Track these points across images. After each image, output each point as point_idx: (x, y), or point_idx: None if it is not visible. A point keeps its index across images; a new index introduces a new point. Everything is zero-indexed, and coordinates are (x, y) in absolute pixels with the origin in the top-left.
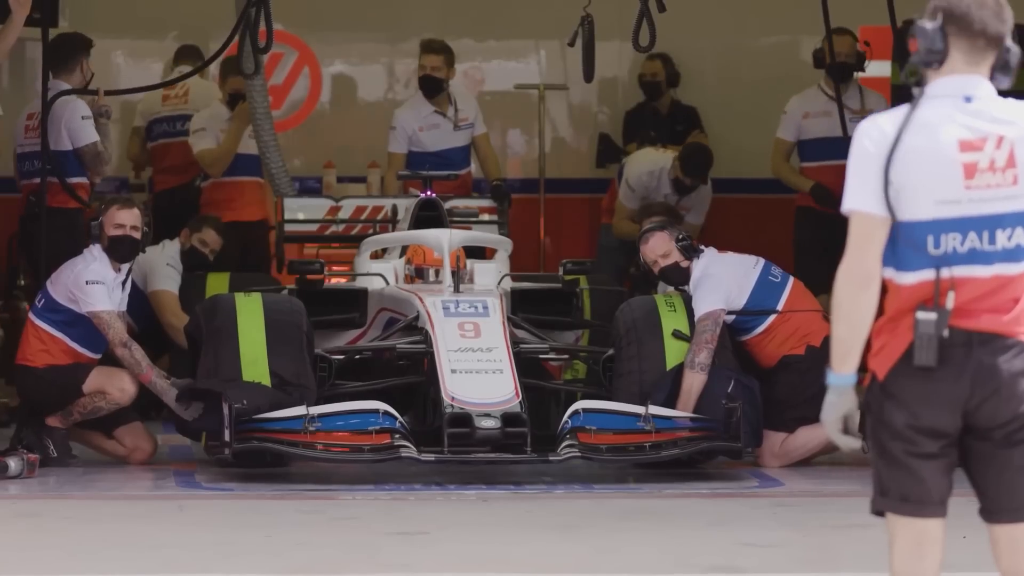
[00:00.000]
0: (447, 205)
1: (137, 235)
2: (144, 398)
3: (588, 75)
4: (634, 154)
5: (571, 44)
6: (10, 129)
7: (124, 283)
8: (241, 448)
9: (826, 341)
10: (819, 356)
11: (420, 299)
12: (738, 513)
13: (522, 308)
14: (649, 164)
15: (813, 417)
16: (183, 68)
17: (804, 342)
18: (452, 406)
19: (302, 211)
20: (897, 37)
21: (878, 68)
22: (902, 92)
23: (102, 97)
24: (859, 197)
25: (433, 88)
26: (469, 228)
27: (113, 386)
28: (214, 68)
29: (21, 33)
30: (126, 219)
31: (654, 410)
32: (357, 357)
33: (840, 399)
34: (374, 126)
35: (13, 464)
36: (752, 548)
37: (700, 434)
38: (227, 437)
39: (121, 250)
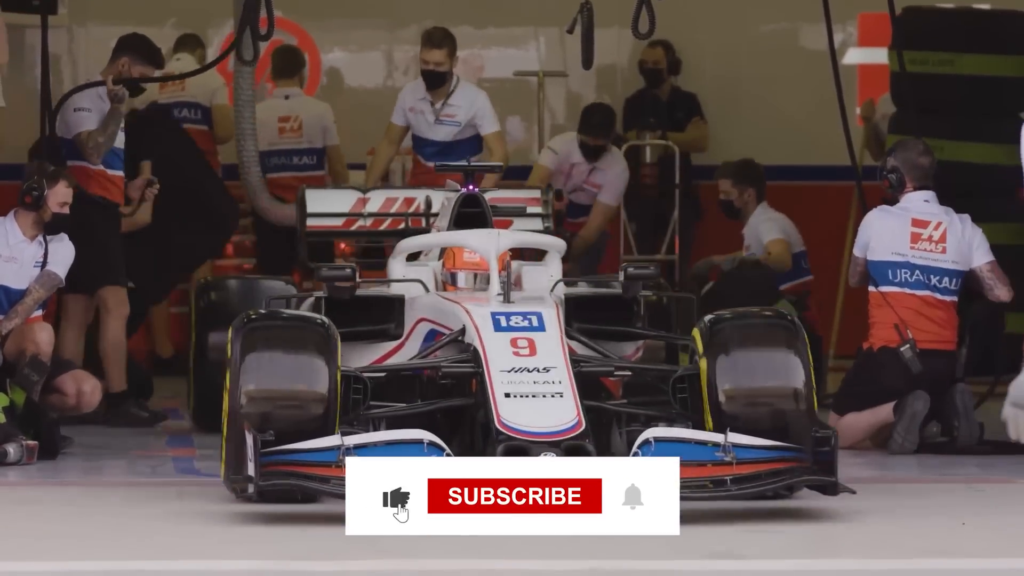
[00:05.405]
0: (489, 198)
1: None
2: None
3: (587, 62)
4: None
5: (570, 31)
6: (15, 119)
7: (45, 251)
8: (267, 486)
9: (883, 350)
10: (873, 358)
11: (466, 311)
12: (738, 500)
13: (575, 315)
14: (571, 133)
15: (861, 405)
16: (182, 56)
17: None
18: (506, 435)
19: (325, 203)
20: (895, 25)
21: (876, 55)
22: (900, 79)
23: (111, 85)
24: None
25: (435, 82)
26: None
27: (25, 339)
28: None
29: (22, 21)
30: (69, 199)
31: (734, 438)
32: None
33: None
34: (373, 113)
35: (12, 451)
36: (753, 534)
37: (788, 464)
38: (251, 471)
39: (57, 226)
